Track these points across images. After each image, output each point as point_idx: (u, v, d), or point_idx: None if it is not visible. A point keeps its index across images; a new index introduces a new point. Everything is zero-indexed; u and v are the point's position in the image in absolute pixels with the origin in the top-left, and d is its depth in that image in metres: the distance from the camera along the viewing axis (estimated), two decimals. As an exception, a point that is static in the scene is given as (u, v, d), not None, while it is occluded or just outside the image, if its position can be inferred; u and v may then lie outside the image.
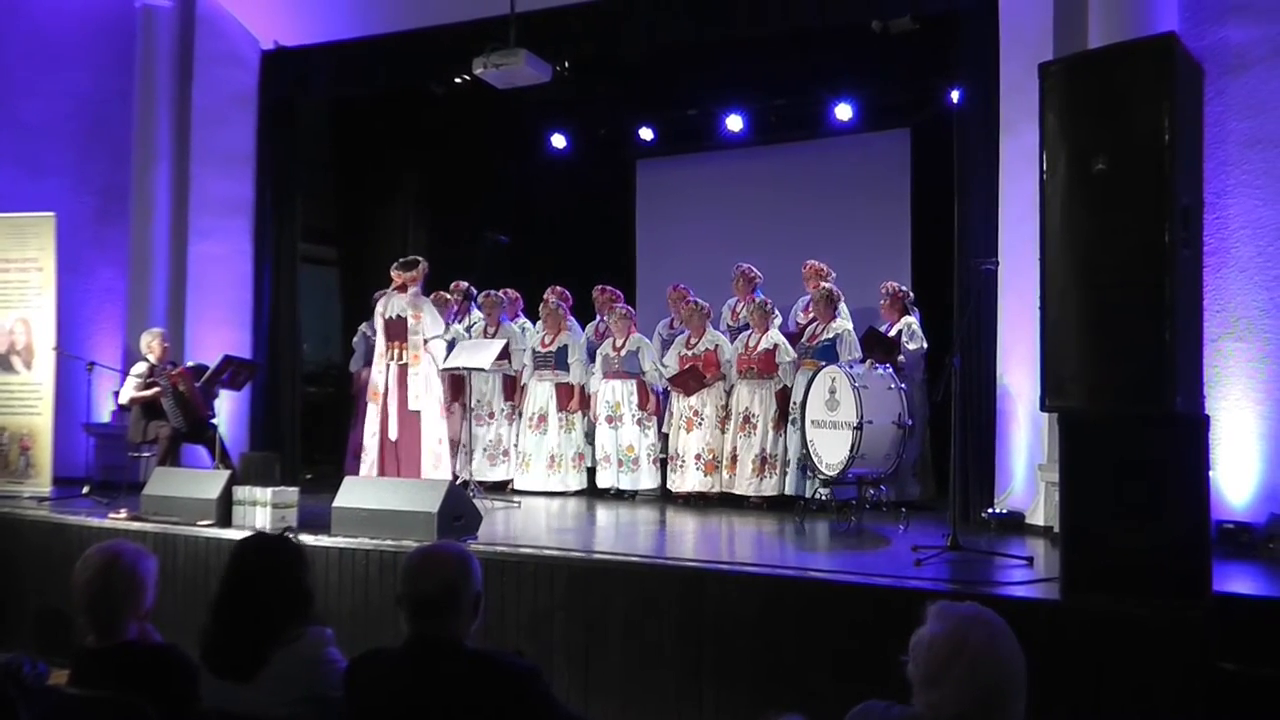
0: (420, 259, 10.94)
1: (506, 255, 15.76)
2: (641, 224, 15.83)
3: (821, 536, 8.90)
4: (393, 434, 10.47)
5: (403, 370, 10.57)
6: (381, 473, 10.38)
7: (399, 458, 10.46)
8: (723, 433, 10.98)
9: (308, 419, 13.60)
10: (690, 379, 11.01)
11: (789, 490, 10.54)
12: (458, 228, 15.53)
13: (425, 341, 10.61)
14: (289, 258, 13.27)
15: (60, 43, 13.27)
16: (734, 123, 14.55)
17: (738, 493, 10.75)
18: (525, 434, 11.96)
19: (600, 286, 12.51)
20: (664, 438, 11.44)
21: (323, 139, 15.14)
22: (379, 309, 10.85)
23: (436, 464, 10.54)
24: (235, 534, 8.56)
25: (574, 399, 11.83)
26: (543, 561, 7.35)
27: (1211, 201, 7.88)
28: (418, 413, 10.51)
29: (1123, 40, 7.24)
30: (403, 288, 10.73)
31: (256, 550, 4.31)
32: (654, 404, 11.48)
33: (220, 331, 12.69)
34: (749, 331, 11.11)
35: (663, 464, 11.42)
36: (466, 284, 12.05)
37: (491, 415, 12.18)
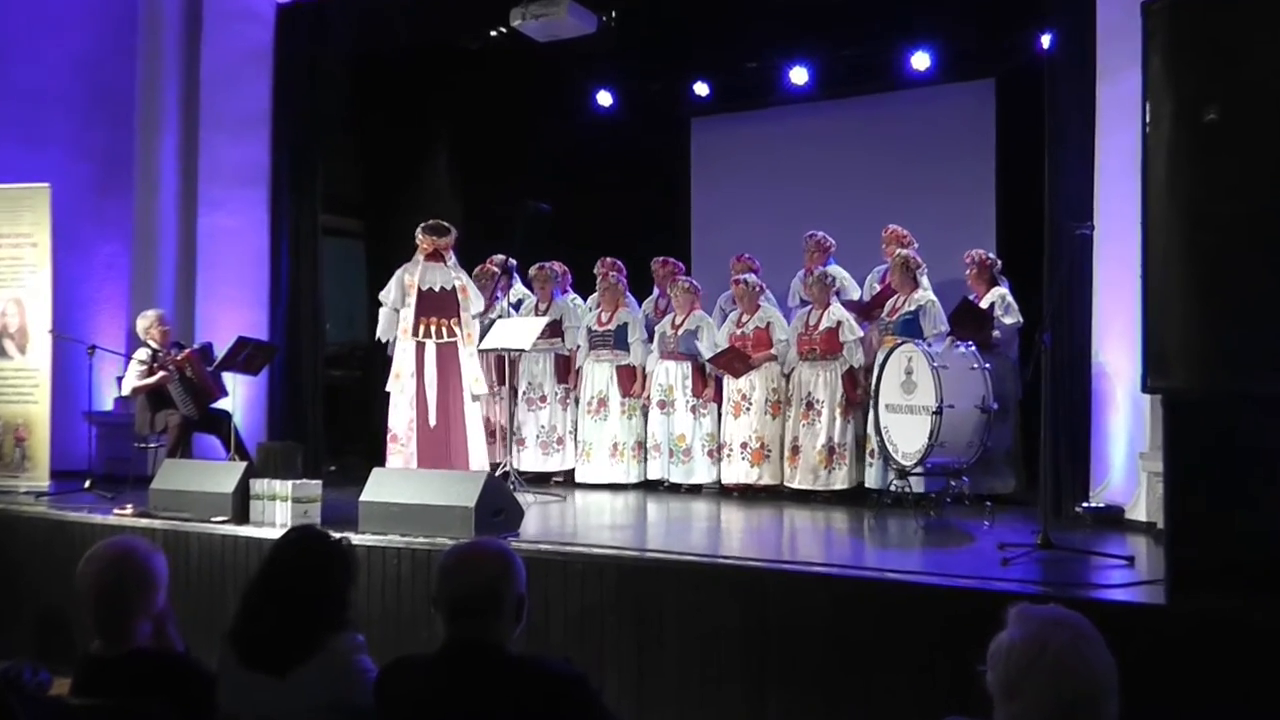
0: (450, 226, 10.99)
1: (548, 225, 15.76)
2: (697, 189, 15.78)
3: (897, 533, 8.88)
4: (432, 420, 10.50)
5: (446, 350, 10.59)
6: (422, 464, 10.42)
7: (444, 448, 10.48)
8: (774, 419, 10.99)
9: (331, 405, 13.68)
10: (734, 360, 11.00)
11: (871, 483, 10.51)
12: (494, 195, 15.49)
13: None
14: (309, 230, 13.33)
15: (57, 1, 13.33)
16: (799, 75, 14.47)
17: (799, 486, 10.74)
18: (584, 420, 12.00)
19: (661, 258, 12.54)
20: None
21: (345, 100, 15.17)
22: (410, 279, 10.85)
23: (482, 455, 10.59)
24: (253, 531, 8.68)
25: (637, 382, 11.81)
26: (591, 560, 7.37)
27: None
28: (471, 398, 10.57)
29: (1236, -26, 7.15)
30: (436, 256, 10.76)
31: (306, 540, 4.34)
32: (712, 389, 11.44)
33: (234, 311, 12.76)
34: (808, 308, 11.11)
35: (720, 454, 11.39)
36: (504, 256, 12.07)
37: (544, 399, 12.22)
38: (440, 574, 3.82)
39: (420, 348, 10.65)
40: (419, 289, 10.72)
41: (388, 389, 10.92)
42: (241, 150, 13.10)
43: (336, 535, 4.39)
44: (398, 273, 11.01)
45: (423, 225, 10.98)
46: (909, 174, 13.77)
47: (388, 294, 10.96)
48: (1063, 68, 9.55)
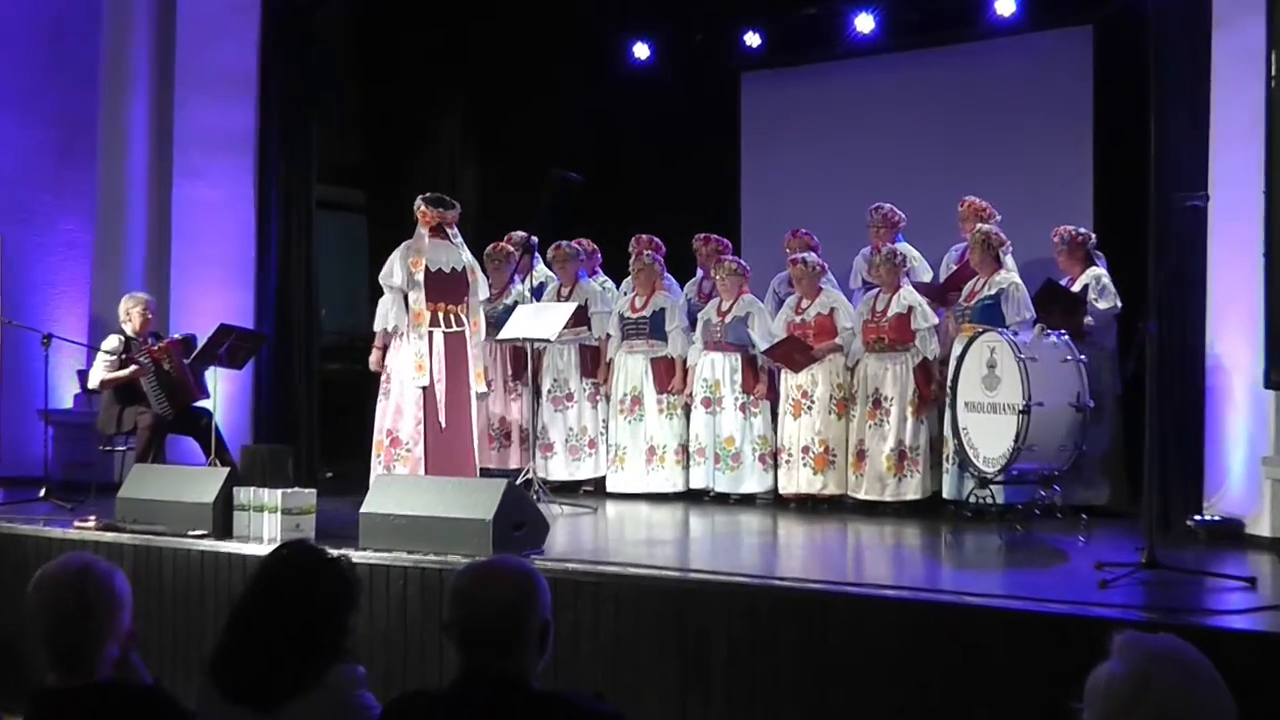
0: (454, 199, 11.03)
1: (578, 197, 15.73)
2: (748, 154, 15.71)
3: (978, 550, 8.92)
4: (442, 421, 10.51)
5: (454, 340, 10.60)
6: (432, 472, 10.41)
7: (453, 452, 10.49)
8: (839, 419, 10.92)
9: (327, 403, 13.73)
10: (793, 351, 10.93)
11: (947, 492, 10.49)
12: (515, 164, 15.48)
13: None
14: (302, 203, 13.37)
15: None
16: (864, 23, 14.37)
17: (865, 496, 10.71)
18: (616, 421, 11.95)
19: (703, 235, 12.47)
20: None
21: (344, 55, 15.21)
22: (416, 258, 10.82)
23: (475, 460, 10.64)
24: (236, 547, 8.69)
25: (676, 376, 11.76)
26: (626, 582, 7.38)
27: None
28: (477, 396, 10.60)
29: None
30: (441, 231, 10.76)
31: (299, 556, 4.33)
32: (765, 385, 11.37)
33: (215, 295, 12.75)
34: (875, 291, 11.03)
35: (774, 459, 11.35)
36: (525, 234, 12.04)
37: (570, 397, 12.17)
38: (453, 597, 3.78)
39: (428, 338, 10.63)
40: (427, 269, 10.69)
41: (387, 385, 10.86)
42: (224, 111, 13.10)
43: (335, 552, 4.37)
44: (398, 251, 10.95)
45: (424, 196, 10.96)
46: (991, 137, 13.71)
47: (390, 276, 10.87)
48: (1173, 13, 9.45)
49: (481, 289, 10.96)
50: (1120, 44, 12.11)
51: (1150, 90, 9.46)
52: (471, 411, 10.73)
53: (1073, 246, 10.65)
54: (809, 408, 10.92)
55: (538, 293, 12.17)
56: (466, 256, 10.93)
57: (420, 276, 10.72)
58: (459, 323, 10.70)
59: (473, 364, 10.77)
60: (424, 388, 10.58)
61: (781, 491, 11.13)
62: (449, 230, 10.86)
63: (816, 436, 10.87)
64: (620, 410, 11.91)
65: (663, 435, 11.74)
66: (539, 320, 10.85)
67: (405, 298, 10.80)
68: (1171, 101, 9.33)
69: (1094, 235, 10.84)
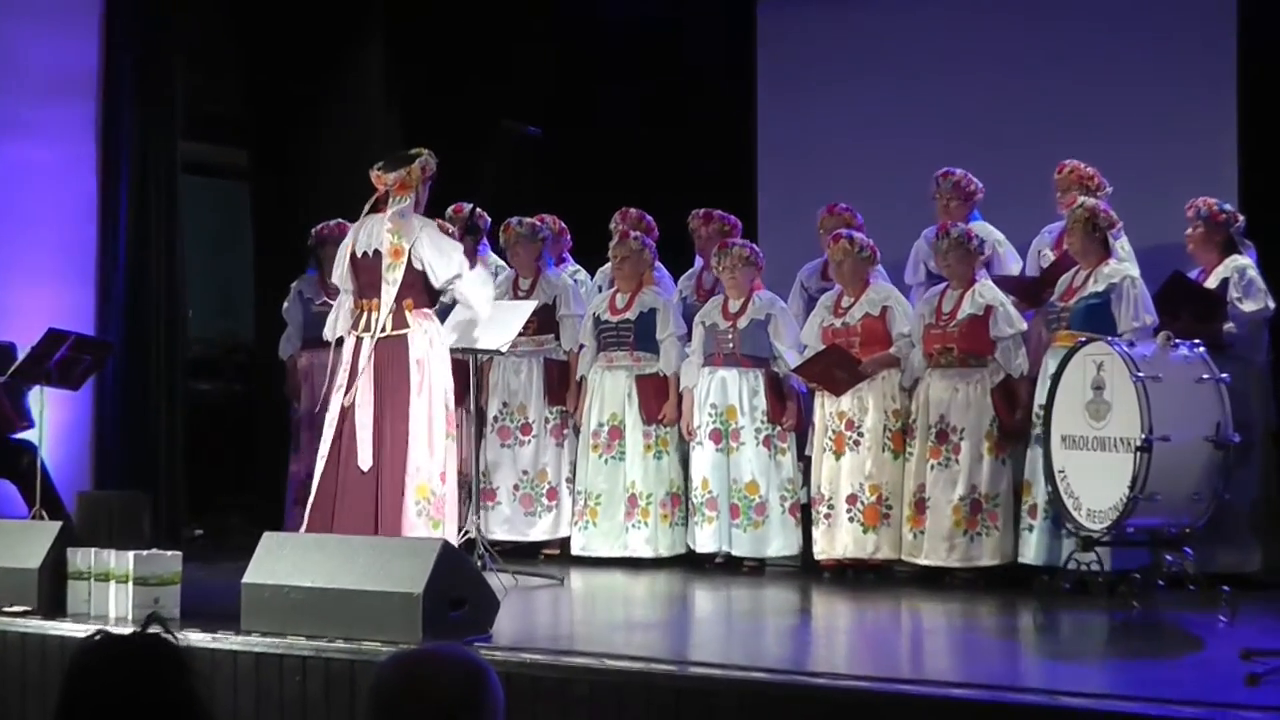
0: (422, 151, 10.60)
1: (541, 159, 15.64)
2: (766, 106, 15.70)
3: (1080, 635, 8.94)
4: (364, 460, 10.13)
5: (383, 349, 10.30)
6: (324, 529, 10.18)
7: (373, 504, 10.24)
8: (895, 457, 10.89)
9: (197, 435, 13.75)
10: (835, 366, 10.88)
11: (1027, 557, 10.41)
12: (457, 115, 15.45)
13: (441, 290, 10.28)
14: (163, 165, 13.51)
15: None
16: (920, -70, 14.43)
17: (925, 562, 10.68)
18: (587, 460, 11.87)
19: (703, 211, 12.47)
20: (807, 466, 11.31)
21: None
22: (349, 244, 10.50)
23: (433, 518, 10.31)
24: (72, 628, 8.53)
25: (669, 401, 11.70)
26: (604, 678, 7.29)
27: None
28: (402, 426, 10.32)
29: None
30: (383, 202, 10.46)
31: (107, 663, 4.17)
32: (794, 412, 11.35)
33: (42, 290, 12.83)
34: (942, 287, 10.99)
35: (805, 512, 11.31)
36: (472, 206, 11.91)
37: (526, 429, 12.11)
38: (373, 698, 3.65)
39: (357, 345, 10.32)
40: (353, 254, 10.35)
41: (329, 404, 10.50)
42: (56, 44, 13.26)
43: (157, 631, 4.17)
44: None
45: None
46: (1095, 83, 13.64)
47: (340, 273, 10.58)
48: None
49: (440, 271, 10.38)
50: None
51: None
52: (409, 448, 10.33)
53: (1211, 226, 10.64)
54: (855, 443, 10.87)
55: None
56: (396, 231, 10.42)
57: (346, 265, 10.41)
58: (376, 322, 10.37)
59: (353, 374, 10.22)
60: (340, 414, 10.28)
61: (818, 556, 11.07)
62: (398, 195, 10.40)
63: (867, 481, 10.81)
64: (593, 445, 11.84)
65: (648, 480, 11.66)
66: (486, 324, 10.65)
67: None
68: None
69: (1242, 217, 10.77)
